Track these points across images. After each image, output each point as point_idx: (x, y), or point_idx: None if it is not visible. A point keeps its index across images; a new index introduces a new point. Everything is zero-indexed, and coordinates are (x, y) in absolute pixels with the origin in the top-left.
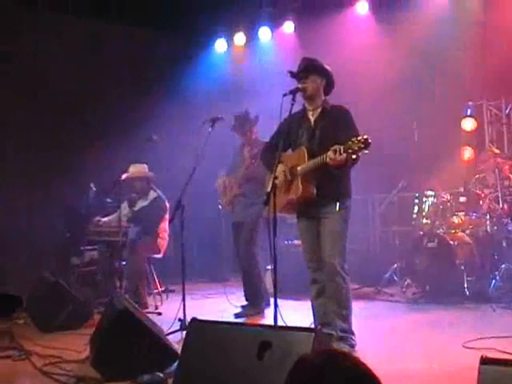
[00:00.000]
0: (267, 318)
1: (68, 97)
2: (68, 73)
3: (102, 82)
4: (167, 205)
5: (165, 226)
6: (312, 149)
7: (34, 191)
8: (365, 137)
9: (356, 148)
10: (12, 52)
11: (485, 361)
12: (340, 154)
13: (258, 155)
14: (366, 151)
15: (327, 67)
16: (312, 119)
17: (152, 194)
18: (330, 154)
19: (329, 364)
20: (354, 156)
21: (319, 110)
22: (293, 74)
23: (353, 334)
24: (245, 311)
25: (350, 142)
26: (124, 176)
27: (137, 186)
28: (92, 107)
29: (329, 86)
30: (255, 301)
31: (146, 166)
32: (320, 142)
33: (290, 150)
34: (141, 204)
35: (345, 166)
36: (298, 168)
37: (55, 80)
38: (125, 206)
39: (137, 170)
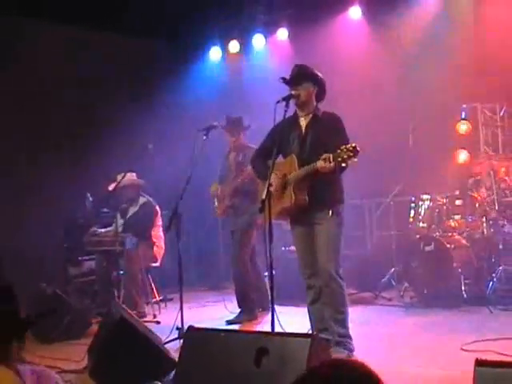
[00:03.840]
0: (261, 325)
1: (62, 105)
2: (61, 82)
3: (96, 91)
4: (158, 209)
5: (158, 232)
6: (302, 156)
7: (29, 201)
8: (353, 145)
9: (345, 156)
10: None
11: (480, 363)
12: (330, 162)
13: (245, 162)
14: (355, 159)
15: (319, 74)
16: (303, 126)
17: (141, 200)
18: (320, 162)
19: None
20: (343, 164)
21: (310, 116)
22: (285, 81)
23: (350, 338)
24: (237, 318)
25: (339, 151)
26: (113, 186)
27: (127, 195)
28: (87, 117)
29: (321, 93)
30: (247, 307)
31: (134, 174)
32: (310, 149)
33: (280, 156)
34: (132, 211)
35: (334, 173)
36: (289, 176)
37: (48, 89)
38: (118, 218)
39: (125, 178)
